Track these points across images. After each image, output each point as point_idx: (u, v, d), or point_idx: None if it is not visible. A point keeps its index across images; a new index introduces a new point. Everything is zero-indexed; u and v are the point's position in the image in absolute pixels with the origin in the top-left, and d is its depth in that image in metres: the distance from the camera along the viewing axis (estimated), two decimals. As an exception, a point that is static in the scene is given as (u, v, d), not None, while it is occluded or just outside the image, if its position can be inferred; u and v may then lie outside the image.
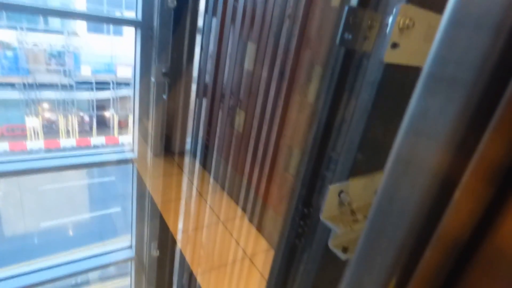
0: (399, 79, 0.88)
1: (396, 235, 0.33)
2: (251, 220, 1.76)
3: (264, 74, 1.44)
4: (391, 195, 0.34)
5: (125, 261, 2.88)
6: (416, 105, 0.32)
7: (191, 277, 2.25)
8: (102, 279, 8.31)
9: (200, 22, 1.98)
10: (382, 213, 0.35)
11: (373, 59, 0.94)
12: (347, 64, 1.01)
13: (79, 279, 8.34)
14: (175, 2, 1.92)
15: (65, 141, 15.22)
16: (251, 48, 1.54)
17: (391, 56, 0.82)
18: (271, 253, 1.40)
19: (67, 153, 2.33)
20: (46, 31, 14.50)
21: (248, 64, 1.56)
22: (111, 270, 8.02)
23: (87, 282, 8.41)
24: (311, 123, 1.24)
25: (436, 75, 0.31)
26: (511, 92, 0.27)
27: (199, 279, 2.04)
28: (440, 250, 0.33)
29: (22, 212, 10.49)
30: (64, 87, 14.81)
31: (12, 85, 14.22)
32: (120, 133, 17.09)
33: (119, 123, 16.98)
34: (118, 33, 15.54)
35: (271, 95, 1.43)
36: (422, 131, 0.31)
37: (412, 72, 0.84)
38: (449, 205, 0.31)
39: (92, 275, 8.39)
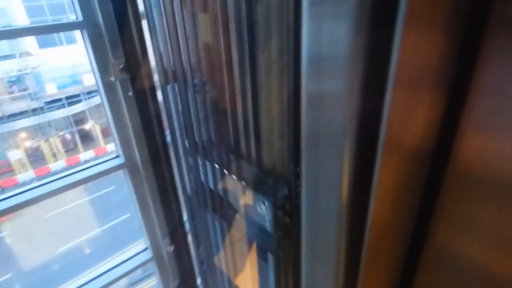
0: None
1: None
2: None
3: (221, 42, 1.35)
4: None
5: (145, 263, 2.92)
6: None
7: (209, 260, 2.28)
8: (132, 284, 8.54)
9: (141, 6, 1.84)
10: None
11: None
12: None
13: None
14: (109, -10, 1.77)
15: (54, 165, 14.95)
16: (201, 18, 1.43)
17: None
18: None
19: (56, 176, 2.28)
20: (-5, 59, 13.72)
21: (203, 36, 1.46)
22: (138, 273, 8.22)
23: (121, 291, 8.62)
24: (282, 82, 1.18)
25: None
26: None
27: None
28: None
29: (35, 244, 10.52)
30: (34, 111, 14.27)
31: (-19, 124, 13.69)
32: (106, 142, 16.78)
33: (103, 131, 16.60)
34: (72, 41, 14.78)
35: (235, 62, 1.35)
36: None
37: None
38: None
39: (122, 283, 8.59)
